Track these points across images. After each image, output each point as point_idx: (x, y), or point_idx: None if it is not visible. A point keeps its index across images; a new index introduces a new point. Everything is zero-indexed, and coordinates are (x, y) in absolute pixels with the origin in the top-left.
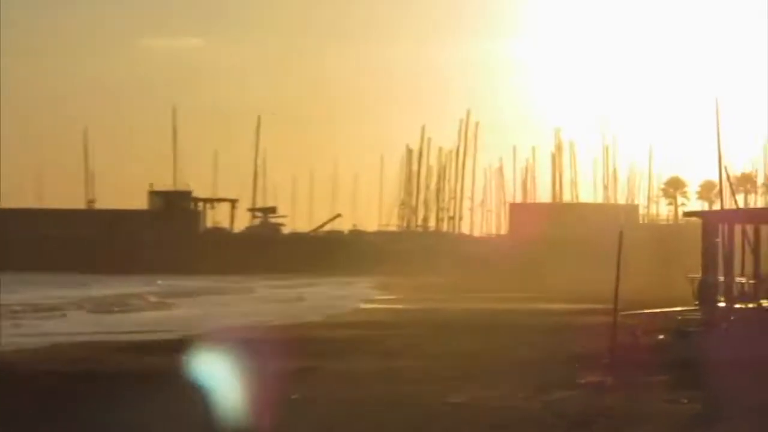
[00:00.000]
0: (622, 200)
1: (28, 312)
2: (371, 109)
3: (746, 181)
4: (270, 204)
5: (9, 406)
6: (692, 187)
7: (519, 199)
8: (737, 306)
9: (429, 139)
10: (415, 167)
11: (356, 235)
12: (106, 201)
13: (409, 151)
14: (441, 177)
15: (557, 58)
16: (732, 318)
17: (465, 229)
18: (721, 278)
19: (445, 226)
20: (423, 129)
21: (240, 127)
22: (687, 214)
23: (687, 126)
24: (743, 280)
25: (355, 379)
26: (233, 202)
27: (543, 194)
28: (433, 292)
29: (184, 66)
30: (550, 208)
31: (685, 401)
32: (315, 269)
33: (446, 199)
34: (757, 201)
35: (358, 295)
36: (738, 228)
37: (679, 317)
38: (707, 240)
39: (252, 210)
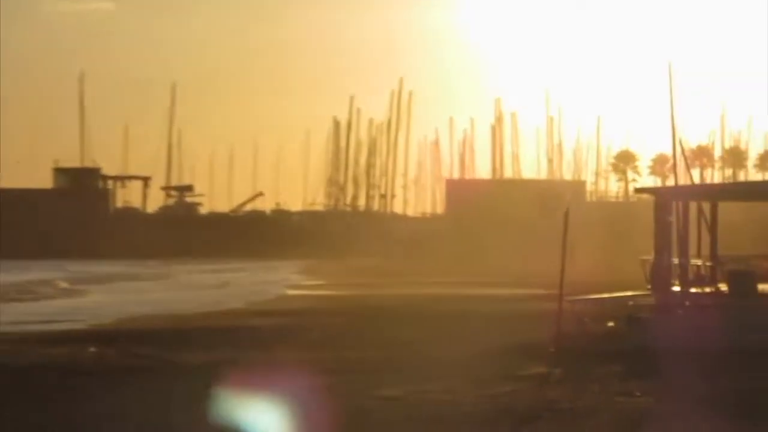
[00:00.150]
0: (567, 176)
1: None
2: (295, 80)
3: (702, 155)
4: (186, 182)
5: None
6: (644, 162)
7: (456, 176)
8: (693, 290)
9: (358, 111)
10: (343, 141)
11: (280, 215)
12: (9, 179)
13: (337, 124)
14: (371, 152)
15: (497, 23)
16: (687, 303)
17: (398, 208)
18: (676, 260)
19: (376, 205)
20: (351, 100)
21: (153, 98)
22: (638, 191)
23: (638, 95)
24: (699, 262)
25: (278, 372)
26: (146, 180)
27: (482, 170)
28: (364, 276)
29: (92, 31)
30: (491, 184)
31: (638, 394)
32: (235, 252)
33: (377, 175)
34: (714, 176)
35: (283, 281)
36: (693, 205)
37: (631, 303)
38: (660, 219)
39: (166, 188)
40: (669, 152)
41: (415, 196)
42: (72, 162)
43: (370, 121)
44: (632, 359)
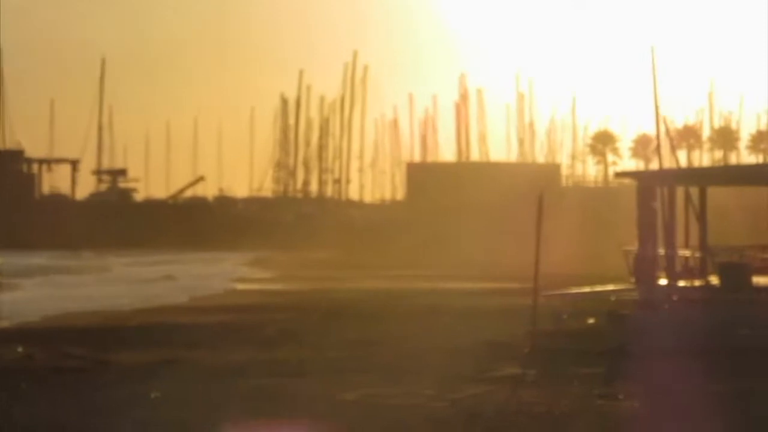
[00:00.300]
0: (541, 158)
1: None
2: (238, 51)
3: (689, 135)
4: (119, 165)
5: None
6: (625, 143)
7: (417, 158)
8: (681, 284)
9: (308, 87)
10: (292, 120)
11: (223, 201)
12: None
13: (285, 102)
14: (323, 132)
15: None
16: (674, 298)
17: (354, 195)
18: (662, 251)
19: (329, 191)
20: (301, 74)
21: (81, 73)
22: (619, 175)
23: (618, 70)
24: (688, 253)
25: (225, 373)
26: (74, 164)
27: (446, 152)
28: (318, 269)
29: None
30: (455, 168)
31: (621, 397)
32: (175, 243)
33: (330, 158)
34: (702, 158)
35: (229, 274)
36: (680, 191)
37: (613, 298)
38: (644, 205)
39: (97, 173)
40: (652, 132)
41: (373, 180)
42: None
43: (322, 98)
44: (614, 359)
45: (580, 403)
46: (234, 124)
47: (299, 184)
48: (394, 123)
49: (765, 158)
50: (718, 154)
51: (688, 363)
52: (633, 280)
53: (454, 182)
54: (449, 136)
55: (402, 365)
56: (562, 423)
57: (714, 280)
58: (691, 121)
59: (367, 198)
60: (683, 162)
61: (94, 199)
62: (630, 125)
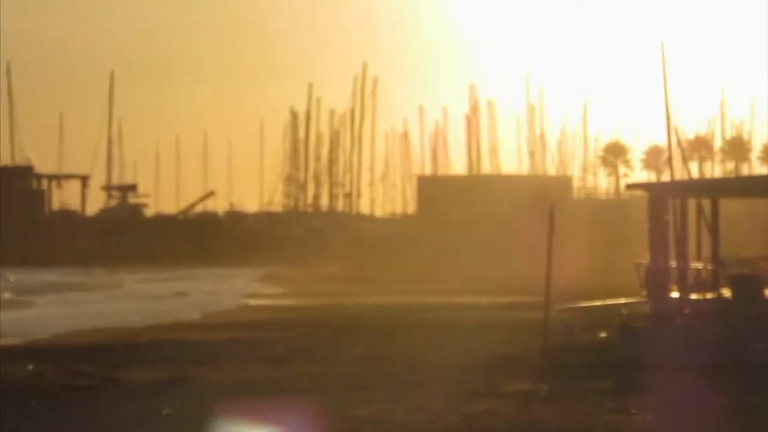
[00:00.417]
0: (552, 171)
1: None
2: (248, 65)
3: (701, 146)
4: (129, 180)
5: None
6: (636, 154)
7: (428, 171)
8: (693, 297)
9: (318, 100)
10: (301, 134)
11: (234, 216)
12: None
13: (294, 115)
14: (333, 146)
15: (472, 2)
16: (686, 311)
17: (364, 209)
18: (673, 263)
19: (340, 205)
20: (310, 88)
21: (90, 88)
22: (630, 187)
23: (629, 81)
24: (700, 265)
25: (236, 390)
26: (84, 179)
27: (457, 165)
28: (329, 284)
29: (19, 13)
30: (466, 181)
31: (633, 411)
32: (185, 259)
33: (340, 172)
34: (714, 170)
35: (240, 290)
36: (692, 203)
37: (624, 311)
38: (655, 217)
39: (107, 188)
40: (664, 143)
41: (383, 194)
42: (2, 160)
43: (332, 112)
44: (626, 373)
45: (592, 417)
46: (244, 138)
47: (310, 199)
48: (405, 136)
49: None
50: (730, 165)
51: (700, 377)
52: (644, 293)
53: (465, 195)
54: (460, 149)
55: (413, 380)
56: None
57: (726, 292)
58: (702, 131)
59: (378, 212)
60: (695, 173)
61: (104, 214)
62: (641, 136)
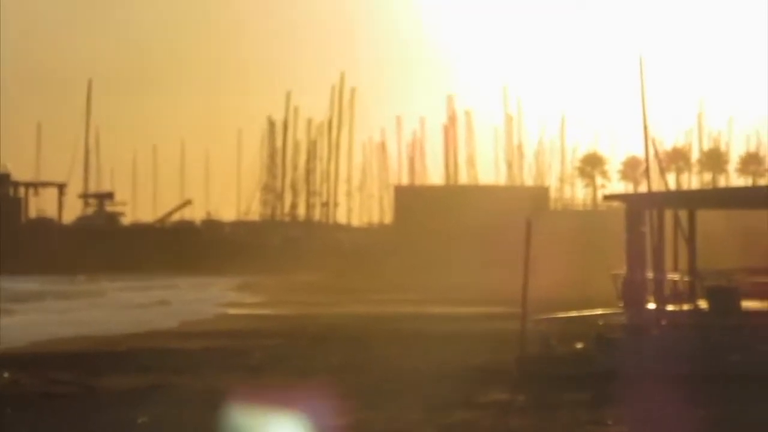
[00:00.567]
0: (529, 181)
1: None
2: (225, 74)
3: (678, 158)
4: (106, 188)
5: None
6: (613, 165)
7: (405, 181)
8: (669, 308)
9: (296, 109)
10: (279, 143)
11: (211, 225)
12: None
13: (272, 124)
14: (311, 155)
15: (450, 12)
16: (663, 323)
17: (341, 218)
18: (650, 275)
19: (317, 215)
20: (288, 96)
21: (67, 96)
22: (608, 198)
23: (606, 92)
24: (676, 276)
25: (213, 399)
26: (61, 187)
27: (434, 175)
28: (306, 293)
29: None
30: (443, 191)
31: (610, 423)
32: (162, 267)
33: (318, 181)
34: (691, 181)
35: (217, 298)
36: (669, 214)
37: (601, 322)
38: (632, 229)
39: (84, 196)
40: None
41: (360, 204)
42: None
43: (309, 121)
44: (603, 384)
45: (568, 428)
46: (221, 147)
47: (287, 208)
48: (382, 146)
49: (754, 181)
50: (707, 177)
51: (677, 388)
52: (621, 304)
53: (442, 206)
54: (437, 159)
55: (390, 390)
56: None
57: (703, 304)
58: (680, 143)
59: (355, 221)
60: (672, 185)
61: (81, 222)
62: (618, 147)
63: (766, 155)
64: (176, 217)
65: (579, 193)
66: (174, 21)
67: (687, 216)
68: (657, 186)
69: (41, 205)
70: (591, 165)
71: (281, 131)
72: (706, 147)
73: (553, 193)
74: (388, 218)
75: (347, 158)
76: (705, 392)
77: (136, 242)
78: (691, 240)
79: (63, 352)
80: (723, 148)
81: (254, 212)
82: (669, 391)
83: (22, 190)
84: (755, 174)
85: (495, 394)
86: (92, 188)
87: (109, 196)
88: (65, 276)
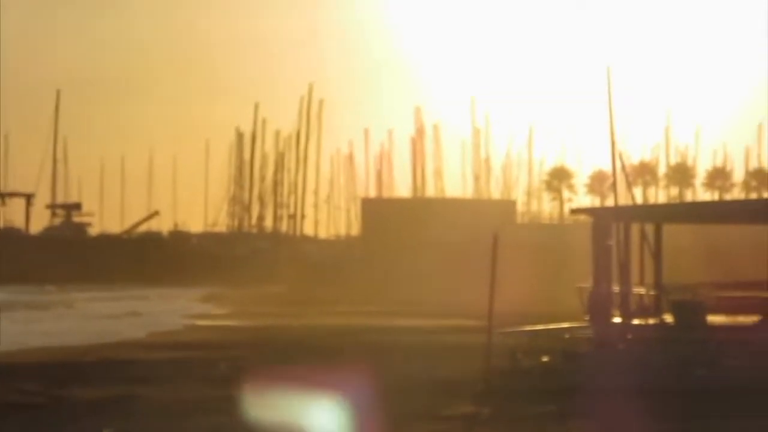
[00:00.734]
0: (496, 195)
1: None
2: (193, 84)
3: (645, 172)
4: (73, 199)
5: None
6: (580, 179)
7: (373, 194)
8: (635, 322)
9: (264, 121)
10: (247, 155)
11: (178, 236)
12: None
13: (240, 135)
14: (279, 167)
15: (418, 24)
16: (629, 336)
17: (309, 230)
18: (616, 288)
19: (284, 227)
20: (256, 108)
21: (35, 105)
22: (574, 212)
23: (573, 105)
24: (642, 290)
25: (179, 410)
26: (28, 197)
27: (402, 187)
28: (272, 305)
29: None
30: (410, 204)
31: None
32: (129, 278)
33: (285, 193)
34: (657, 195)
35: (183, 310)
36: (635, 228)
37: (567, 336)
38: (599, 242)
39: (52, 207)
40: (608, 169)
41: (328, 216)
42: None
43: (277, 133)
44: (569, 398)
45: None
46: (189, 158)
47: (254, 219)
48: (350, 158)
49: (721, 196)
50: (674, 191)
51: (643, 402)
52: (587, 317)
53: (410, 218)
54: (405, 172)
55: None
56: None
57: (668, 318)
58: (647, 157)
59: (323, 233)
60: (639, 199)
61: (48, 233)
62: (585, 161)
63: (732, 170)
64: (143, 228)
65: (546, 207)
66: (142, 31)
67: (653, 230)
68: (624, 200)
69: (8, 215)
70: (558, 179)
71: (249, 143)
72: (673, 161)
73: (520, 207)
74: (355, 230)
75: (315, 170)
76: (670, 407)
77: (104, 253)
78: (657, 254)
79: (30, 362)
80: (690, 162)
81: (221, 224)
82: (634, 406)
83: None
84: (721, 189)
85: (460, 406)
86: (60, 199)
87: (77, 206)
88: (32, 286)
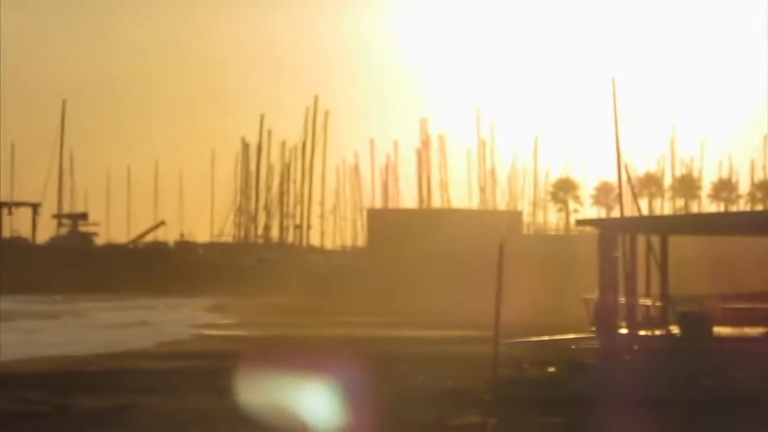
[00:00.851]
0: (502, 205)
1: None
2: (199, 95)
3: (651, 183)
4: (79, 209)
5: None
6: (586, 190)
7: (379, 205)
8: (641, 333)
9: (269, 132)
10: (253, 165)
11: (184, 247)
12: None
13: (246, 146)
14: (285, 177)
15: (424, 36)
16: (635, 348)
17: (315, 240)
18: (622, 300)
19: (290, 237)
20: (262, 119)
21: (42, 115)
22: (580, 223)
23: (579, 116)
24: (648, 302)
25: (184, 420)
26: (35, 207)
27: (407, 198)
28: (278, 315)
29: None
30: (416, 215)
31: None
32: (135, 288)
33: (291, 204)
34: (663, 206)
35: (189, 320)
36: (641, 239)
37: (573, 346)
38: (605, 254)
39: (58, 216)
40: (614, 180)
41: (334, 226)
42: None
43: (283, 144)
44: (575, 409)
45: None
46: (195, 168)
47: (260, 230)
48: (355, 169)
49: (726, 207)
50: (680, 203)
51: (649, 413)
52: (593, 328)
53: (415, 229)
54: (410, 183)
55: (361, 412)
56: None
57: (674, 329)
58: (652, 168)
59: (328, 244)
60: (645, 210)
61: (55, 243)
62: (591, 172)
63: (737, 182)
64: (149, 238)
65: (551, 218)
66: (149, 42)
67: (659, 241)
68: (630, 211)
69: (15, 225)
70: (564, 190)
71: (255, 153)
72: (678, 173)
73: (525, 218)
74: (361, 241)
75: (321, 181)
76: (676, 418)
77: (110, 263)
78: (663, 265)
79: (35, 371)
80: (695, 174)
81: (227, 234)
82: (640, 417)
83: None
84: (727, 200)
85: (467, 416)
86: (66, 208)
87: (83, 216)
88: (38, 296)
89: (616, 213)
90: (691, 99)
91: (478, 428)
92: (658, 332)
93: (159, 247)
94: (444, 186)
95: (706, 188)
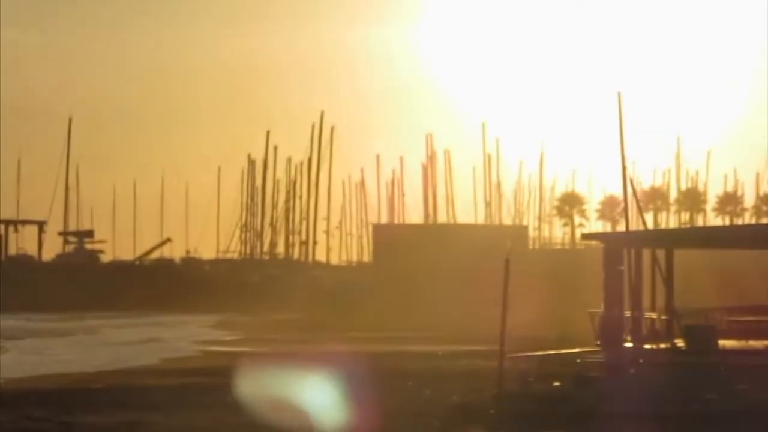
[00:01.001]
0: (507, 220)
1: None
2: (205, 111)
3: (656, 197)
4: (85, 226)
5: None
6: (591, 204)
7: (384, 220)
8: (647, 347)
9: (275, 148)
10: (259, 181)
11: (190, 263)
12: None
13: (252, 162)
14: (290, 193)
15: (428, 51)
16: (641, 361)
17: (321, 256)
18: (628, 313)
19: (296, 253)
20: (268, 135)
21: (47, 132)
22: (586, 237)
23: (585, 131)
24: (654, 315)
25: None
26: (41, 225)
27: (413, 214)
28: (284, 331)
29: None
30: (422, 230)
31: None
32: (141, 305)
33: (297, 220)
34: (669, 220)
35: (195, 336)
36: (647, 253)
37: (578, 360)
38: (610, 268)
39: (64, 234)
40: (619, 194)
41: (340, 242)
42: None
43: (289, 160)
44: (580, 422)
45: None
46: (201, 185)
47: (266, 246)
48: (361, 184)
49: (732, 221)
50: (685, 216)
51: (653, 427)
52: (599, 342)
53: (421, 244)
54: (416, 198)
55: (367, 427)
56: None
57: (680, 343)
58: (657, 182)
59: (335, 260)
60: (650, 224)
61: (61, 260)
62: (597, 186)
63: (743, 195)
64: (156, 255)
65: (557, 232)
66: (154, 58)
67: (665, 255)
68: (635, 225)
69: (21, 242)
70: (569, 204)
71: (261, 169)
72: (683, 186)
73: (531, 232)
74: (367, 257)
75: (326, 196)
76: (682, 431)
77: (116, 280)
78: (668, 279)
79: (40, 388)
80: (701, 187)
81: (234, 250)
82: (646, 430)
83: (2, 228)
84: (732, 214)
85: (473, 430)
86: (72, 226)
87: (89, 233)
88: (45, 314)
89: (621, 227)
90: (696, 112)
91: None
92: (663, 346)
93: (165, 264)
94: (450, 201)
95: (711, 201)
